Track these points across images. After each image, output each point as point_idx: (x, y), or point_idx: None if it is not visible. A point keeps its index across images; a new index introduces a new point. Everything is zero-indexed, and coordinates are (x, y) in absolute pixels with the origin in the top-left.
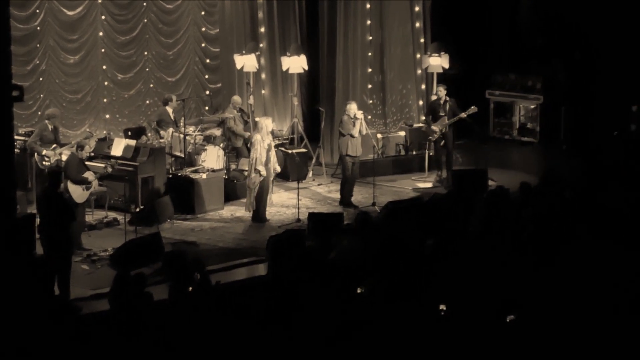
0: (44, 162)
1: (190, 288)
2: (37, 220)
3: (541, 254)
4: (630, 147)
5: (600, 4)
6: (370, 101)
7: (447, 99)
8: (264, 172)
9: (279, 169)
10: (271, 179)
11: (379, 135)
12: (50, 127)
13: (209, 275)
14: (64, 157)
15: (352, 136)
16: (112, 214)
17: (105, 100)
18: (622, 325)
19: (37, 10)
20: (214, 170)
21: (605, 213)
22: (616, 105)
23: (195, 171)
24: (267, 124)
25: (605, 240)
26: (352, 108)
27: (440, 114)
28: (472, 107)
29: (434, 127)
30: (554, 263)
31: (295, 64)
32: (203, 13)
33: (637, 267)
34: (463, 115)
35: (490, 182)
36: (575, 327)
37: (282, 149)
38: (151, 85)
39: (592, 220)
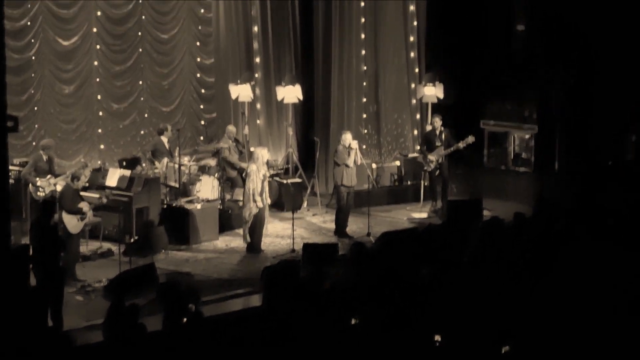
0: (38, 193)
1: (185, 319)
2: (31, 251)
3: (535, 283)
4: (626, 176)
5: (594, 32)
6: (365, 131)
7: (442, 129)
8: (260, 204)
9: (269, 201)
10: (267, 208)
11: (374, 165)
12: (44, 157)
13: (203, 307)
14: (59, 188)
15: (347, 166)
16: (106, 245)
17: (100, 130)
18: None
19: (32, 40)
20: (208, 201)
21: (599, 242)
22: (611, 135)
23: (190, 201)
24: (263, 154)
25: (599, 271)
26: (347, 138)
27: (437, 144)
28: (470, 137)
29: (431, 157)
30: (548, 292)
31: (290, 93)
32: (198, 43)
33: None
34: (461, 145)
35: (485, 212)
36: (570, 357)
37: (277, 178)
38: (146, 115)
39: (586, 249)
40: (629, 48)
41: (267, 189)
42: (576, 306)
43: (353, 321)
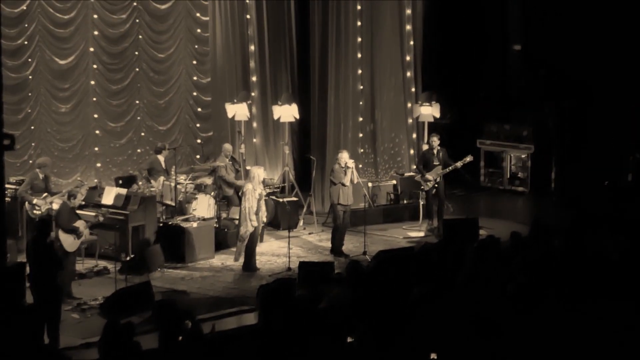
0: (34, 211)
1: (181, 337)
2: (27, 269)
3: (531, 303)
4: (623, 196)
5: (590, 53)
6: (362, 150)
7: (439, 148)
8: (255, 223)
9: (265, 220)
10: (260, 228)
11: (370, 184)
12: (41, 175)
13: (200, 325)
14: (55, 206)
15: (343, 185)
16: (102, 263)
17: (96, 148)
18: None
19: (29, 59)
20: (204, 219)
21: (594, 263)
22: (607, 155)
23: (186, 220)
24: (258, 173)
25: (594, 292)
26: (344, 157)
27: (435, 163)
28: (469, 156)
29: (429, 176)
30: (543, 313)
31: (287, 112)
32: (194, 62)
33: (627, 318)
34: (459, 164)
35: (481, 232)
36: None
37: (273, 197)
38: (142, 134)
39: (581, 270)
40: (626, 69)
41: (263, 207)
42: (572, 328)
43: (349, 340)
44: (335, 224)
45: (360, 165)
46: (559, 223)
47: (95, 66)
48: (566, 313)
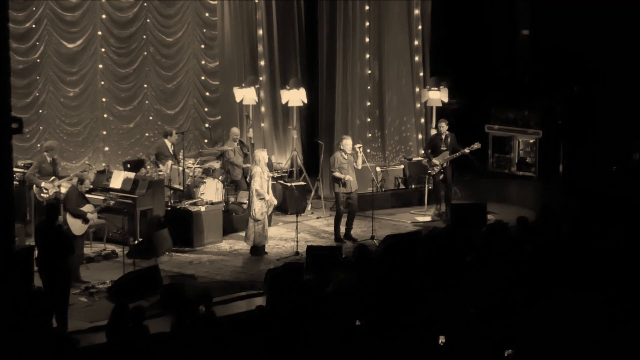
0: (42, 195)
1: (194, 320)
2: (36, 252)
3: (539, 288)
4: (632, 177)
5: (598, 38)
6: (370, 134)
7: (448, 133)
8: (267, 197)
9: (275, 202)
10: (270, 211)
11: (378, 169)
12: (49, 159)
13: (213, 309)
14: (63, 190)
15: (338, 179)
16: (110, 247)
17: (104, 132)
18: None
19: (37, 43)
20: (212, 203)
21: (602, 249)
22: (615, 140)
23: (194, 204)
24: (262, 155)
25: (601, 278)
26: (348, 143)
27: (442, 148)
28: (476, 143)
29: (435, 161)
30: (552, 298)
31: (295, 97)
32: (203, 46)
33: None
34: (467, 150)
35: (489, 217)
36: None
37: (281, 181)
38: (150, 118)
39: (589, 256)
40: (633, 54)
41: (270, 190)
42: (579, 312)
43: (357, 322)
44: (338, 211)
45: (369, 150)
46: (567, 208)
47: (103, 50)
48: (573, 298)
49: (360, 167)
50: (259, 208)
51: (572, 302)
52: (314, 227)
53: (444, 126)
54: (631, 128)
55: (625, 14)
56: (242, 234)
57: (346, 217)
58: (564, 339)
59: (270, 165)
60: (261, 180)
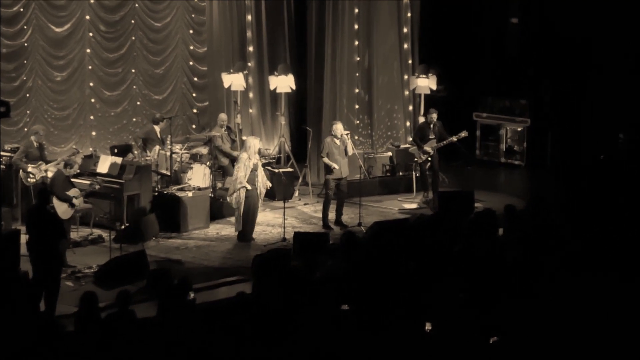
0: (29, 179)
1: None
2: (24, 237)
3: (525, 276)
4: (618, 170)
5: (588, 26)
6: (357, 121)
7: (436, 121)
8: (249, 186)
9: (269, 185)
10: (261, 198)
11: (365, 156)
12: (35, 143)
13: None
14: (50, 174)
15: (327, 166)
16: (97, 231)
17: (91, 117)
18: (606, 348)
19: (25, 27)
20: (200, 189)
21: (590, 238)
22: (603, 128)
23: (181, 189)
24: (254, 143)
25: (591, 265)
26: (338, 128)
27: (430, 136)
28: (464, 131)
29: (427, 148)
30: (538, 285)
31: (283, 83)
32: (191, 31)
33: (621, 292)
34: (454, 139)
35: (477, 204)
36: (560, 350)
37: (269, 168)
38: (138, 103)
39: (577, 244)
40: (623, 42)
41: (262, 177)
42: (560, 329)
43: (344, 307)
44: (326, 197)
45: (356, 137)
46: (555, 196)
47: (91, 34)
48: (561, 286)
49: (350, 154)
50: (235, 196)
51: (559, 290)
52: (302, 213)
53: (434, 116)
54: (619, 117)
55: (615, 1)
56: (230, 219)
57: (335, 204)
58: (549, 326)
59: (258, 152)
60: (245, 168)
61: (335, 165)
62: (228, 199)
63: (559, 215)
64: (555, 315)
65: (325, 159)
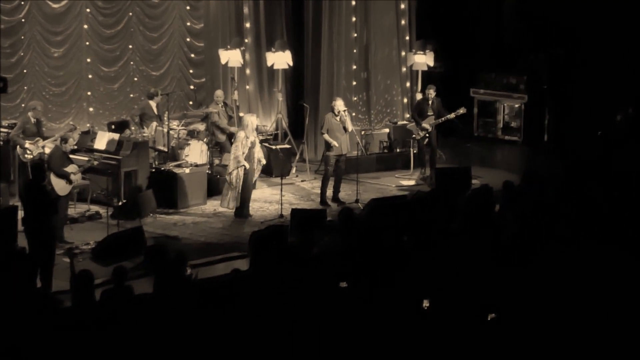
0: (26, 156)
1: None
2: (21, 212)
3: (523, 252)
4: (615, 146)
5: (585, 3)
6: (355, 98)
7: (434, 98)
8: (247, 165)
9: (264, 161)
10: (256, 175)
11: (363, 132)
12: (33, 119)
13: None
14: (47, 150)
15: (329, 143)
16: (94, 208)
17: (89, 93)
18: (605, 326)
19: (22, 2)
20: (197, 165)
21: (587, 212)
22: (601, 105)
23: (179, 166)
24: (252, 121)
25: (587, 240)
26: (338, 104)
27: (428, 113)
28: (462, 108)
29: (425, 125)
30: (535, 262)
31: (280, 59)
32: (188, 8)
33: (619, 266)
34: (452, 115)
35: (474, 181)
36: (557, 326)
37: (266, 144)
38: (135, 79)
39: (574, 219)
40: (619, 18)
41: (259, 153)
42: (557, 305)
43: (341, 284)
44: (325, 174)
45: (354, 114)
46: (552, 173)
47: (88, 10)
48: (557, 261)
49: (350, 130)
50: (235, 174)
51: (556, 266)
52: (299, 189)
53: (432, 93)
54: (616, 93)
55: None
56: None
57: (333, 180)
58: (546, 303)
59: (255, 129)
60: (242, 147)
61: (335, 143)
62: (227, 177)
63: (554, 191)
64: (553, 291)
65: (326, 136)
